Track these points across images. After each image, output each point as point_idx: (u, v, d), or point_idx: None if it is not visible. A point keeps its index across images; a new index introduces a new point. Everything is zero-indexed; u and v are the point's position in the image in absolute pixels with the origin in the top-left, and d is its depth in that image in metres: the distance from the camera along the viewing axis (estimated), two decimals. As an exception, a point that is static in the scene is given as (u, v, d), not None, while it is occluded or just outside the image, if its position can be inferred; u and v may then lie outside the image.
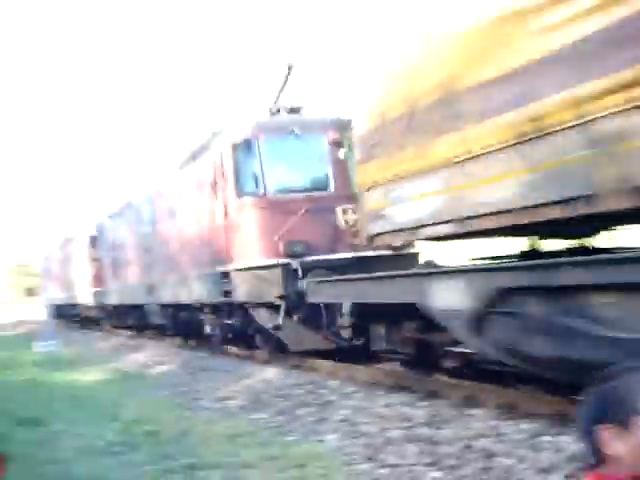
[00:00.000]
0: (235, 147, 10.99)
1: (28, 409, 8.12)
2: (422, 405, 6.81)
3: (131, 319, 20.11)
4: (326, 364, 10.07)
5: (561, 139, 4.75)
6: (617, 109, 4.35)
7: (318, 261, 9.81)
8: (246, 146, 10.77)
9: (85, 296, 25.95)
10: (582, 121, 4.58)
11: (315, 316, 9.73)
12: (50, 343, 17.31)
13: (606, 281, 4.59)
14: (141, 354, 14.94)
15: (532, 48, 4.91)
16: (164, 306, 15.66)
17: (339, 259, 9.78)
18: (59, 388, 10.11)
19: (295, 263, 9.81)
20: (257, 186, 10.53)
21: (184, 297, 13.77)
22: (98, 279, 23.63)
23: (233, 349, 13.37)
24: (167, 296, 14.98)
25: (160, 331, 17.67)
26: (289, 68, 11.19)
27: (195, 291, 13.11)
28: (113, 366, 13.54)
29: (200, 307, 13.37)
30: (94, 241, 24.28)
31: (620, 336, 4.52)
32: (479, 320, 5.72)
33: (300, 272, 9.70)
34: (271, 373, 9.88)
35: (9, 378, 11.49)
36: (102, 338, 21.65)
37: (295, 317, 10.05)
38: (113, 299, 21.32)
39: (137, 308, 18.29)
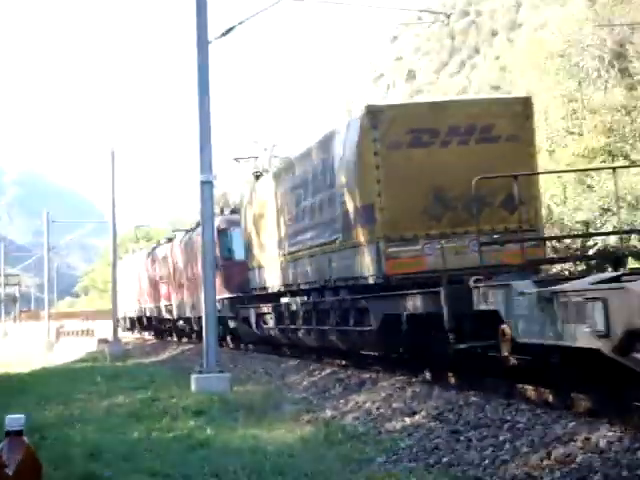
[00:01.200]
0: (219, 232, 31.92)
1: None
2: None
3: (187, 327, 43.68)
4: None
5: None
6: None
7: (254, 296, 30.13)
8: (224, 232, 34.83)
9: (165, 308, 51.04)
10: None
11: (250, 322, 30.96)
12: (215, 377, 17.92)
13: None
14: (366, 397, 15.05)
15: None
16: (199, 317, 35.67)
17: (262, 294, 28.60)
18: (232, 453, 10.47)
19: (242, 295, 32.43)
20: (229, 253, 35.46)
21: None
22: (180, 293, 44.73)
23: (528, 389, 12.89)
24: (199, 312, 35.61)
25: (385, 362, 18.69)
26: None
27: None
28: (318, 416, 13.87)
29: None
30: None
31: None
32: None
33: (245, 300, 32.31)
34: (603, 436, 9.33)
35: (155, 435, 12.16)
36: (295, 369, 22.31)
37: (246, 323, 31.51)
38: (175, 312, 45.91)
39: (188, 320, 42.75)
